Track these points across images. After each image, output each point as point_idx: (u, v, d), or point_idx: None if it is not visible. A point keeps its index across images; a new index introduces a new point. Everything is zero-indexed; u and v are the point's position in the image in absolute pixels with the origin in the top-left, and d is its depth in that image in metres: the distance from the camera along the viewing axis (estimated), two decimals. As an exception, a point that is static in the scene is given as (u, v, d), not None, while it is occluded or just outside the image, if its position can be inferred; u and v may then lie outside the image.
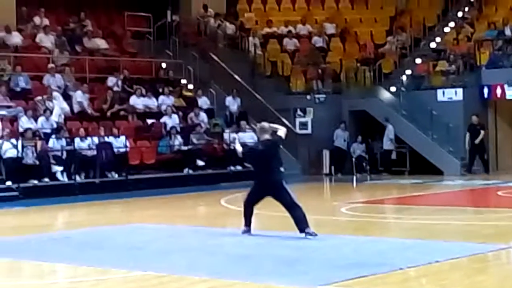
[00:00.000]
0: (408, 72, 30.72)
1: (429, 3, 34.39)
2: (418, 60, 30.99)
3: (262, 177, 13.46)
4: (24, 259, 11.99)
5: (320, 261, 10.88)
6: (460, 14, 32.89)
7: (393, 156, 28.99)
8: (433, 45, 31.96)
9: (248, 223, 13.62)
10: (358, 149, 29.31)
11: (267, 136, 13.63)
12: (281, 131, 13.66)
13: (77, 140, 23.66)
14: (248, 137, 27.50)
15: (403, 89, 30.08)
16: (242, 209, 13.78)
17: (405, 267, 10.18)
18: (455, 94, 28.40)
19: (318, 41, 33.01)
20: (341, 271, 9.99)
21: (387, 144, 28.77)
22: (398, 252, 11.58)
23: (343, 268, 10.28)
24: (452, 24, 32.57)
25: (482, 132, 27.41)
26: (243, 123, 27.92)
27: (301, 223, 13.02)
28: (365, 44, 32.87)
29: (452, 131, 27.63)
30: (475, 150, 27.49)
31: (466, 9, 33.12)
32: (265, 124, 13.96)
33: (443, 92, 28.63)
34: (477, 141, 27.32)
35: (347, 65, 32.09)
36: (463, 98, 28.26)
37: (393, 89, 30.12)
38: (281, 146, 13.70)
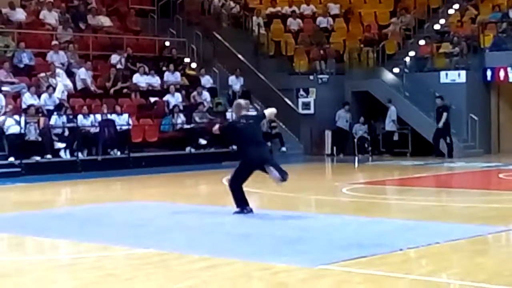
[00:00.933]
0: (412, 53, 30.67)
1: (434, -16, 34.31)
2: (422, 42, 30.94)
3: (252, 152, 13.30)
4: (26, 234, 12.05)
5: (321, 241, 10.92)
6: (464, -5, 32.80)
7: (395, 137, 29.01)
8: (437, 27, 31.90)
9: (246, 202, 13.54)
10: (360, 130, 29.34)
11: (245, 112, 13.65)
12: (268, 111, 13.81)
13: (80, 117, 23.71)
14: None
15: (406, 70, 30.06)
16: (230, 192, 13.58)
17: (405, 248, 10.22)
18: (458, 77, 28.39)
19: (322, 22, 32.96)
20: (341, 251, 10.04)
21: (389, 126, 28.78)
22: (398, 233, 11.63)
23: (343, 248, 10.33)
24: (456, 6, 32.48)
25: (445, 114, 27.01)
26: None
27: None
28: (369, 25, 32.81)
29: (454, 114, 27.61)
30: (439, 133, 27.25)
31: (471, -9, 33.02)
32: (241, 101, 14.23)
33: (446, 74, 28.61)
34: (440, 124, 27.00)
35: (350, 45, 32.03)
36: (466, 81, 28.23)
37: (396, 70, 30.10)
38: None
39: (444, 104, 27.31)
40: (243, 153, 13.58)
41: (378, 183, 20.12)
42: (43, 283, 8.78)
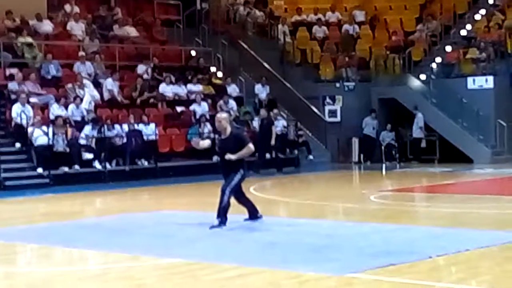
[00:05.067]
0: (438, 59, 30.54)
1: (460, -10, 34.17)
2: (448, 48, 30.80)
3: (246, 164, 13.54)
4: (55, 245, 12.11)
5: (349, 249, 10.88)
6: (491, 1, 32.59)
7: (423, 144, 28.90)
8: (463, 32, 31.73)
9: (255, 209, 13.62)
10: (387, 137, 29.24)
11: (229, 127, 13.59)
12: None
13: (107, 127, 23.78)
14: (279, 125, 27.51)
15: (433, 77, 29.93)
16: (236, 203, 13.54)
17: (434, 256, 10.16)
18: (486, 82, 28.23)
19: (348, 29, 32.90)
20: (370, 259, 9.99)
21: (417, 132, 28.68)
22: (427, 240, 11.56)
23: (372, 256, 10.28)
24: (483, 11, 32.30)
25: (273, 128, 25.82)
26: (275, 111, 27.93)
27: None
28: (395, 31, 32.72)
29: (482, 119, 27.46)
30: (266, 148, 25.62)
31: (497, -4, 32.87)
32: (226, 114, 14.14)
33: (474, 80, 28.46)
34: (272, 141, 25.58)
35: (376, 52, 31.97)
36: (493, 86, 28.08)
37: (422, 77, 29.97)
38: None
39: (268, 116, 26.10)
40: (243, 164, 13.48)
41: (406, 190, 20.03)
42: (72, 293, 8.80)
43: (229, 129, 13.43)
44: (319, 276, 9.12)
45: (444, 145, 28.28)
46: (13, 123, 23.01)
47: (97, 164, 23.12)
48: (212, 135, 25.65)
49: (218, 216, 13.02)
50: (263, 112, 26.52)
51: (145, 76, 27.32)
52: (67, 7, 29.01)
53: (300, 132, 28.29)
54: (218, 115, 13.85)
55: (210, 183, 22.43)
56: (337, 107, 30.29)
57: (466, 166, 26.26)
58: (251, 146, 13.37)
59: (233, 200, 13.27)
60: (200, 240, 12.11)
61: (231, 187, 13.15)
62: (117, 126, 24.10)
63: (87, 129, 23.37)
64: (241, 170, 13.25)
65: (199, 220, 14.13)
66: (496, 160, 27.06)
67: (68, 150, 22.63)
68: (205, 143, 14.26)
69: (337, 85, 30.58)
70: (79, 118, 23.98)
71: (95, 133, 23.46)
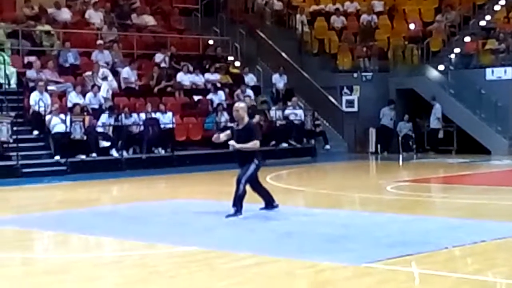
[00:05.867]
0: (457, 50, 30.38)
1: (479, -20, 33.96)
2: (467, 39, 30.63)
3: (260, 154, 13.53)
4: (71, 232, 12.16)
5: (365, 239, 10.86)
6: (510, -8, 32.43)
7: (440, 135, 28.79)
8: (482, 23, 31.55)
9: (272, 198, 13.69)
10: (404, 127, 29.15)
11: (247, 118, 13.54)
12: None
13: (124, 116, 23.83)
14: (297, 114, 27.51)
15: (451, 67, 29.79)
16: (254, 193, 13.57)
17: (450, 247, 10.13)
18: (504, 73, 28.07)
19: (365, 19, 32.80)
20: (386, 250, 9.97)
21: (434, 123, 28.57)
22: (443, 231, 11.52)
23: (388, 246, 10.25)
24: (502, 2, 32.08)
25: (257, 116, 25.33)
26: (294, 100, 27.91)
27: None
28: (413, 22, 32.57)
29: (500, 111, 27.32)
30: None
31: (517, -14, 32.65)
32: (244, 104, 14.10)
33: (492, 71, 28.30)
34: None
35: (394, 43, 31.84)
36: (512, 77, 27.93)
37: (441, 67, 29.82)
38: None
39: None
40: (257, 155, 13.44)
41: (423, 181, 19.96)
42: (88, 280, 8.83)
43: (246, 119, 13.43)
44: (335, 266, 9.11)
45: (462, 136, 28.17)
46: (31, 111, 23.08)
47: (114, 152, 23.18)
48: (228, 124, 25.75)
49: (234, 205, 13.05)
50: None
51: (162, 64, 27.35)
52: (86, -4, 29.08)
53: (317, 122, 28.27)
54: (237, 104, 13.85)
55: (227, 172, 22.43)
56: (355, 97, 30.23)
57: (484, 157, 26.15)
58: (257, 142, 13.37)
59: (248, 189, 13.26)
60: (215, 228, 12.12)
61: (246, 177, 13.16)
62: (134, 115, 24.14)
63: (104, 117, 23.42)
64: (255, 160, 13.24)
65: (215, 209, 14.14)
66: (514, 152, 26.97)
67: (85, 138, 22.69)
68: (225, 136, 14.16)
69: (355, 75, 30.51)
70: (96, 106, 24.04)
71: (112, 121, 23.51)
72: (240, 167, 13.39)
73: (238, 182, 13.11)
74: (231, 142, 13.24)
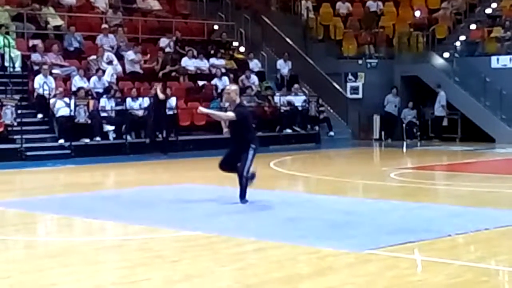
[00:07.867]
0: (462, 38, 30.33)
1: (486, -32, 33.84)
2: (473, 26, 30.58)
3: (256, 139, 13.28)
4: (75, 216, 12.16)
5: (368, 226, 10.87)
6: (517, -21, 32.32)
7: (445, 122, 28.78)
8: (488, 11, 31.47)
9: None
10: (409, 114, 29.13)
11: (238, 100, 13.31)
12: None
13: (128, 100, 23.84)
14: (300, 100, 27.54)
15: (456, 55, 29.75)
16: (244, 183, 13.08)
17: (453, 234, 10.13)
18: (510, 61, 28.03)
19: (371, 5, 32.72)
20: (388, 236, 9.98)
21: (439, 111, 28.55)
22: (446, 218, 11.52)
23: (391, 233, 10.26)
24: (508, -11, 32.02)
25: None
26: (296, 86, 27.91)
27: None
28: (419, 9, 32.49)
29: (505, 99, 27.28)
30: None
31: (524, -26, 32.52)
32: (236, 87, 13.88)
33: (497, 59, 28.27)
34: None
35: (400, 30, 31.79)
36: (517, 66, 27.89)
37: (446, 55, 29.78)
38: None
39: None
40: (253, 140, 13.06)
41: (426, 168, 19.95)
42: (91, 263, 8.85)
43: (237, 102, 13.27)
44: (337, 252, 9.12)
45: (466, 123, 28.16)
46: (35, 94, 23.10)
47: (111, 135, 23.10)
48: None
49: (242, 198, 12.94)
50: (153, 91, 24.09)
51: (167, 49, 27.31)
52: (91, -20, 29.02)
53: (321, 108, 28.27)
54: (228, 86, 13.70)
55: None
56: (359, 84, 30.20)
57: (488, 145, 26.13)
58: (229, 114, 13.06)
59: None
60: (219, 213, 12.13)
61: (247, 168, 12.88)
62: (140, 98, 24.13)
63: (103, 101, 23.40)
64: (251, 145, 12.92)
65: (218, 194, 14.15)
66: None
67: (89, 121, 22.71)
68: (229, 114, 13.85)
69: (360, 62, 30.49)
70: (101, 90, 24.04)
71: (113, 104, 23.50)
72: (231, 148, 13.19)
73: (241, 176, 12.91)
74: (200, 108, 13.02)
